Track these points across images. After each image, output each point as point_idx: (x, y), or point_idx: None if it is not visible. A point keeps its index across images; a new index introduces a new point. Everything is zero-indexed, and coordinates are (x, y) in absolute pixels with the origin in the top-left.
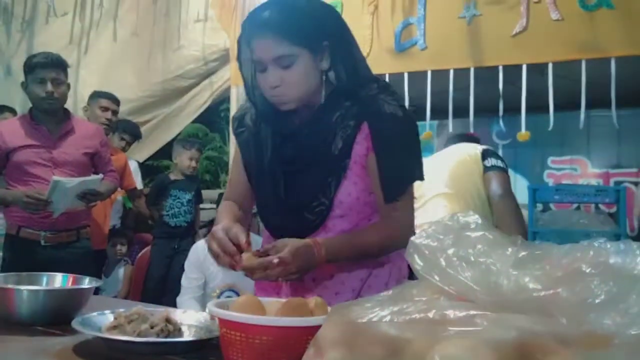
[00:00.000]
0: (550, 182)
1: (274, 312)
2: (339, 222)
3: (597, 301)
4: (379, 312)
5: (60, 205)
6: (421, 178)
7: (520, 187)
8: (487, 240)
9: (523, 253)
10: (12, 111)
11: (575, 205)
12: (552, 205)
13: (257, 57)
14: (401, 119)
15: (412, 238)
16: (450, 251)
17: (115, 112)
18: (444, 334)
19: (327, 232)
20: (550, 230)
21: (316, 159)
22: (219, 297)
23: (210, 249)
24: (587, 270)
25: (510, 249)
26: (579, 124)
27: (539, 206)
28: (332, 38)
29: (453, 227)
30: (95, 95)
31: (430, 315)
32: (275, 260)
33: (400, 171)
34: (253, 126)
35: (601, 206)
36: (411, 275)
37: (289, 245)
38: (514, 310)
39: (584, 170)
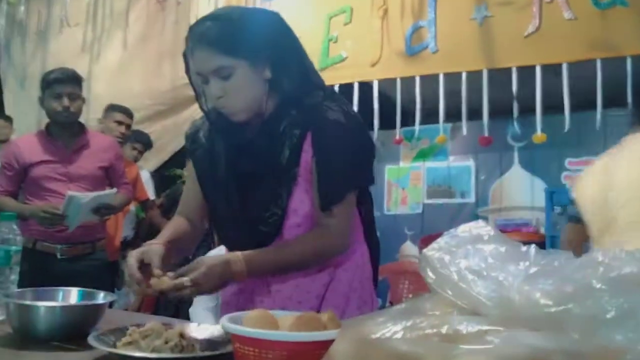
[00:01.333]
0: (568, 184)
1: (286, 326)
2: (296, 231)
3: (608, 316)
4: (392, 327)
5: (75, 219)
6: (367, 183)
7: (538, 190)
8: (499, 254)
9: (534, 268)
10: (8, 119)
11: None
12: (569, 208)
13: (198, 69)
14: (343, 126)
15: (424, 250)
16: (463, 265)
17: (128, 126)
18: (454, 351)
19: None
20: None
21: (267, 170)
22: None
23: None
24: (598, 286)
25: (522, 264)
26: (596, 124)
27: (557, 209)
28: (274, 48)
29: (465, 238)
30: (111, 109)
31: (443, 330)
32: (187, 283)
33: (338, 178)
34: (206, 142)
35: None
36: (375, 274)
37: (204, 266)
38: (525, 326)
39: None
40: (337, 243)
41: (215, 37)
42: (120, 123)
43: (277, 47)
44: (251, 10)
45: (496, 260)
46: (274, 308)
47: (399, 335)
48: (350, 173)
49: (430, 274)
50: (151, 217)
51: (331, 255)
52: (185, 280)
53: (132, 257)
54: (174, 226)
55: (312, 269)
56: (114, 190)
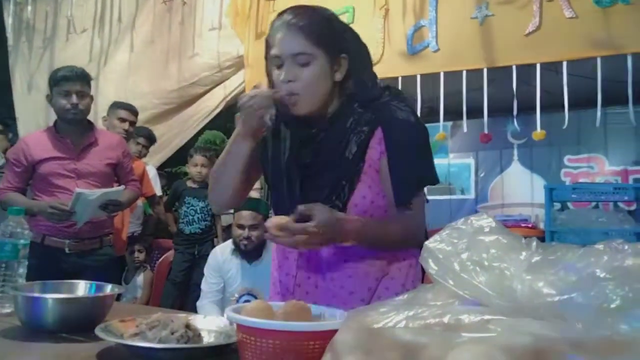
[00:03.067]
0: (568, 181)
1: (279, 316)
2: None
3: (612, 306)
4: (394, 317)
5: (83, 216)
6: (434, 182)
7: (537, 187)
8: (501, 244)
9: (537, 258)
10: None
11: (593, 204)
12: (569, 205)
13: (276, 52)
14: (413, 125)
15: (427, 242)
16: (464, 255)
17: (132, 123)
18: (457, 339)
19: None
20: (569, 230)
21: (331, 163)
22: (237, 301)
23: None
24: (602, 275)
25: (524, 253)
26: (595, 122)
27: (557, 205)
28: (350, 53)
29: (467, 230)
30: (115, 106)
31: (445, 320)
32: (311, 229)
33: (411, 174)
34: (271, 125)
35: (620, 204)
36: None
37: (322, 217)
38: (528, 316)
39: (601, 169)
40: (417, 232)
41: (304, 23)
42: (123, 120)
43: (353, 54)
44: (330, 11)
45: (498, 251)
46: (326, 295)
47: (401, 325)
48: (421, 170)
49: (432, 265)
50: (158, 213)
51: (412, 243)
52: (309, 225)
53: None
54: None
55: (392, 250)
56: (122, 187)
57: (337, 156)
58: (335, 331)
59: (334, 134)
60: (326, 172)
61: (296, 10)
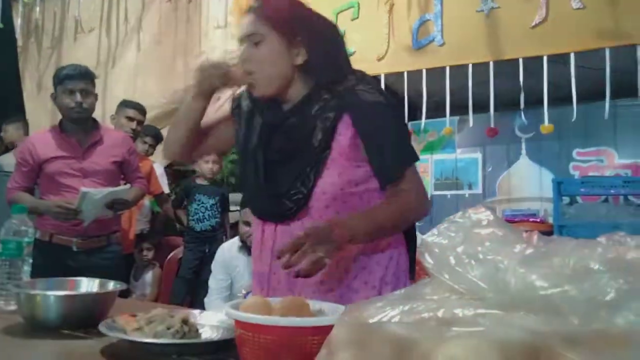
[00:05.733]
0: (576, 174)
1: (277, 312)
2: (325, 212)
3: (607, 298)
4: (389, 312)
5: (89, 214)
6: (416, 159)
7: (546, 181)
8: (496, 237)
9: (530, 250)
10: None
11: (602, 198)
12: (578, 199)
13: (239, 35)
14: (384, 105)
15: (424, 236)
16: (460, 249)
17: (140, 122)
18: (448, 334)
19: (313, 219)
20: (578, 224)
21: (297, 150)
22: (245, 297)
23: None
24: (596, 267)
25: (518, 246)
26: (604, 114)
27: (565, 199)
28: (309, 36)
29: (464, 224)
30: (123, 105)
31: (439, 314)
32: (300, 239)
33: (392, 156)
34: (246, 112)
35: (630, 197)
36: (412, 266)
37: (310, 227)
38: (522, 309)
39: (610, 162)
40: (416, 205)
41: (260, 6)
42: (131, 119)
43: (313, 37)
44: (301, 1)
45: (492, 244)
46: (296, 283)
47: (395, 320)
48: (402, 150)
49: (428, 259)
50: (166, 211)
51: (415, 218)
52: (298, 236)
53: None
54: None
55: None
56: (128, 186)
57: (303, 143)
58: (331, 327)
59: (300, 120)
60: (292, 159)
61: None
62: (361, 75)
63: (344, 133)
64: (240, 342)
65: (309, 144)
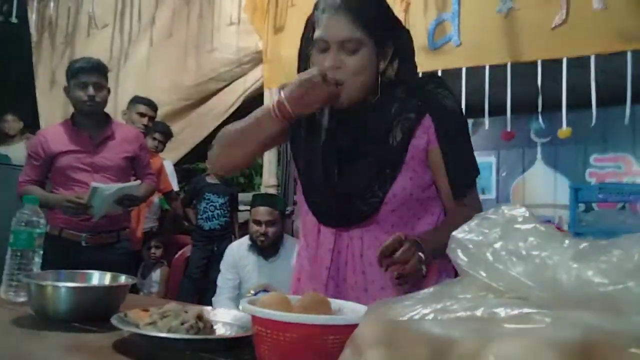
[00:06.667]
0: (593, 181)
1: (298, 309)
2: (390, 216)
3: None
4: (421, 310)
5: (99, 210)
6: (479, 173)
7: (562, 187)
8: (540, 233)
9: (584, 244)
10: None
11: (619, 205)
12: (594, 205)
13: (322, 35)
14: (460, 114)
15: (454, 233)
16: (498, 245)
17: (152, 118)
18: (497, 331)
19: (378, 224)
20: (595, 231)
21: (373, 149)
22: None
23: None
24: None
25: (567, 241)
26: (624, 120)
27: (581, 206)
28: (397, 42)
29: (498, 220)
30: (134, 101)
31: (478, 313)
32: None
33: (466, 166)
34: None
35: None
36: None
37: (404, 236)
38: (575, 308)
39: (628, 168)
40: None
41: (356, 7)
42: (142, 115)
43: (399, 43)
44: None
45: (537, 239)
46: (358, 288)
47: (428, 318)
48: (473, 162)
49: (461, 256)
50: (175, 208)
51: None
52: (422, 257)
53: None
54: None
55: None
56: (138, 182)
57: (380, 142)
58: (355, 326)
59: (376, 119)
60: (367, 158)
61: None
62: (439, 80)
63: (422, 136)
64: (258, 340)
65: (387, 144)
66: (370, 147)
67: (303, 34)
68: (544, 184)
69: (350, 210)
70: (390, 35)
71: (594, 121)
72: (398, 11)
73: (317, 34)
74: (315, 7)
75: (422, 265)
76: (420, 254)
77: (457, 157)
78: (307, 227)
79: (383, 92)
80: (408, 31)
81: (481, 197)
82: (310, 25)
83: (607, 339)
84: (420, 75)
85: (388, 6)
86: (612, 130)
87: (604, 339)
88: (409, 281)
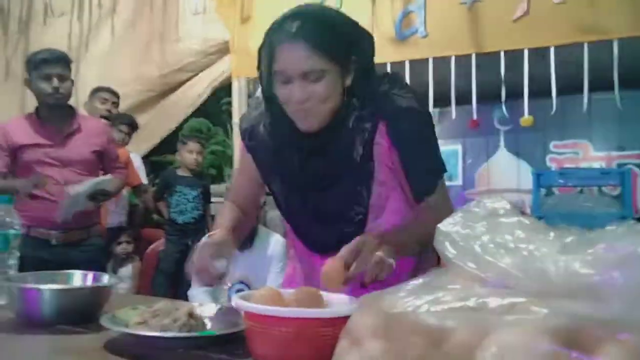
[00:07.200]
0: (553, 166)
1: (291, 303)
2: (375, 226)
3: None
4: (414, 301)
5: (70, 210)
6: (445, 169)
7: (524, 173)
8: (525, 226)
9: (571, 237)
10: None
11: (578, 189)
12: (555, 190)
13: (283, 68)
14: (418, 112)
15: (440, 225)
16: (485, 238)
17: (115, 104)
18: (493, 321)
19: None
20: (556, 214)
21: (342, 170)
22: (229, 289)
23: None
24: None
25: (552, 234)
26: (582, 108)
27: (543, 191)
28: (359, 54)
29: (481, 214)
30: (95, 90)
31: (470, 304)
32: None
33: (427, 166)
34: (270, 138)
35: (605, 189)
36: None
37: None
38: (563, 298)
39: (586, 154)
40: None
41: (313, 36)
42: (105, 101)
43: (361, 54)
44: (334, 11)
45: (524, 232)
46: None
47: (423, 309)
48: (435, 160)
49: (449, 248)
50: (145, 202)
51: None
52: (380, 255)
53: (206, 249)
54: (232, 214)
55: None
56: (109, 176)
57: (346, 161)
58: (347, 318)
59: (338, 138)
60: (341, 178)
61: (298, 16)
62: (394, 77)
63: (380, 142)
64: (251, 335)
65: (352, 161)
66: (339, 169)
67: (258, 65)
68: (507, 170)
69: (339, 235)
70: (351, 52)
71: (554, 109)
72: (365, 2)
73: (278, 66)
74: (268, 35)
75: (388, 261)
76: (378, 253)
77: (415, 160)
78: (297, 251)
79: (342, 105)
80: (370, 36)
81: (448, 183)
82: (264, 55)
83: (595, 327)
84: (381, 74)
85: (346, 19)
86: (570, 118)
87: (592, 327)
88: (380, 278)
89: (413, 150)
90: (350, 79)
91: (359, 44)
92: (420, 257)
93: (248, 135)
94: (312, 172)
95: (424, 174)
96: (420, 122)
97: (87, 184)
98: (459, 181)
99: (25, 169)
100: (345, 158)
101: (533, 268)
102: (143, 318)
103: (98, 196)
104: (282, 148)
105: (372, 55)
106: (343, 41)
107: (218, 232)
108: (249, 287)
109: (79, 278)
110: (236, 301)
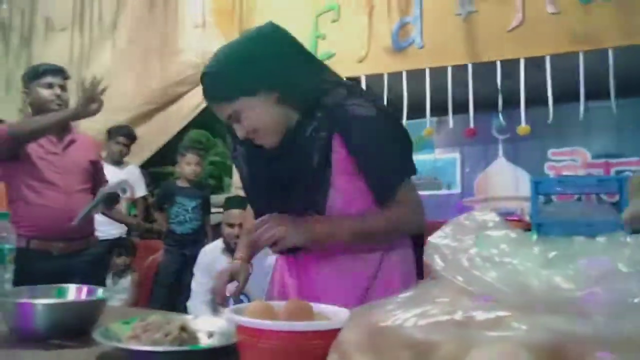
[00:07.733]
0: (551, 174)
1: (281, 316)
2: None
3: (636, 300)
4: (401, 315)
5: (93, 212)
6: (413, 171)
7: (522, 181)
8: (511, 240)
9: (553, 252)
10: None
11: (576, 197)
12: (553, 198)
13: (219, 116)
14: (374, 119)
15: (430, 238)
16: (473, 251)
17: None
18: (476, 336)
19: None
20: (554, 221)
21: (299, 176)
22: (228, 300)
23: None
24: (625, 270)
25: (536, 248)
26: (579, 116)
27: (541, 198)
28: (275, 72)
29: (471, 226)
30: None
31: (457, 317)
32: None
33: (384, 173)
34: (246, 151)
35: (603, 196)
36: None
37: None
38: (546, 312)
39: (583, 161)
40: (410, 217)
41: (211, 92)
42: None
43: (280, 70)
44: (243, 42)
45: (508, 246)
46: (321, 288)
47: (410, 323)
48: (394, 165)
49: (438, 261)
50: (146, 212)
51: (408, 229)
52: (279, 228)
53: (223, 277)
54: (245, 241)
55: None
56: (121, 179)
57: (304, 168)
58: (337, 330)
59: (297, 145)
60: (297, 185)
61: (204, 75)
62: (352, 87)
63: (339, 151)
64: (243, 348)
65: (310, 167)
66: (297, 175)
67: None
68: (506, 178)
69: None
70: (271, 74)
71: (550, 117)
72: (362, 14)
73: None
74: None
75: (282, 230)
76: (281, 227)
77: (373, 166)
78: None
79: (302, 115)
80: (294, 46)
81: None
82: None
83: (577, 341)
84: (339, 83)
85: (260, 50)
86: (567, 126)
87: (575, 341)
88: (279, 246)
89: (369, 158)
90: (277, 92)
91: (274, 63)
92: (382, 261)
93: (232, 147)
94: (274, 175)
95: (382, 180)
96: (376, 130)
97: (118, 182)
98: (457, 189)
99: (28, 175)
100: (303, 165)
101: (517, 282)
102: (135, 332)
103: (115, 199)
104: (251, 156)
105: (300, 61)
106: (249, 75)
107: (235, 263)
108: (248, 298)
109: (73, 292)
110: (227, 315)
